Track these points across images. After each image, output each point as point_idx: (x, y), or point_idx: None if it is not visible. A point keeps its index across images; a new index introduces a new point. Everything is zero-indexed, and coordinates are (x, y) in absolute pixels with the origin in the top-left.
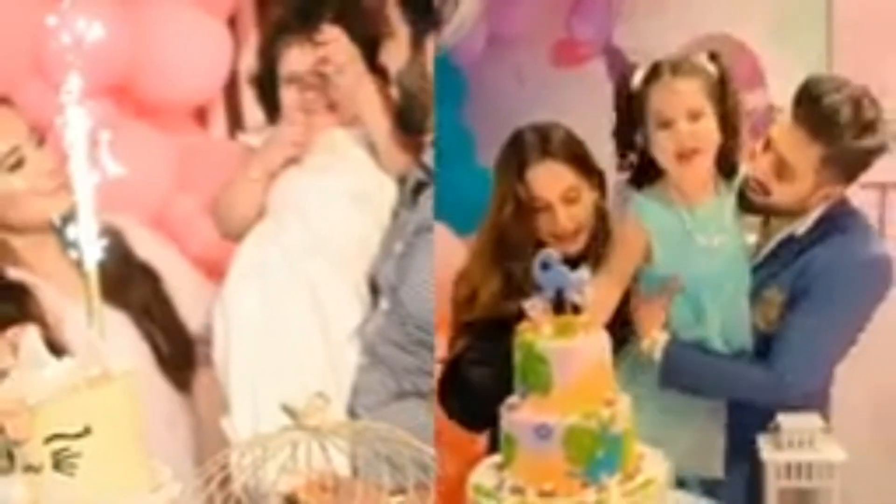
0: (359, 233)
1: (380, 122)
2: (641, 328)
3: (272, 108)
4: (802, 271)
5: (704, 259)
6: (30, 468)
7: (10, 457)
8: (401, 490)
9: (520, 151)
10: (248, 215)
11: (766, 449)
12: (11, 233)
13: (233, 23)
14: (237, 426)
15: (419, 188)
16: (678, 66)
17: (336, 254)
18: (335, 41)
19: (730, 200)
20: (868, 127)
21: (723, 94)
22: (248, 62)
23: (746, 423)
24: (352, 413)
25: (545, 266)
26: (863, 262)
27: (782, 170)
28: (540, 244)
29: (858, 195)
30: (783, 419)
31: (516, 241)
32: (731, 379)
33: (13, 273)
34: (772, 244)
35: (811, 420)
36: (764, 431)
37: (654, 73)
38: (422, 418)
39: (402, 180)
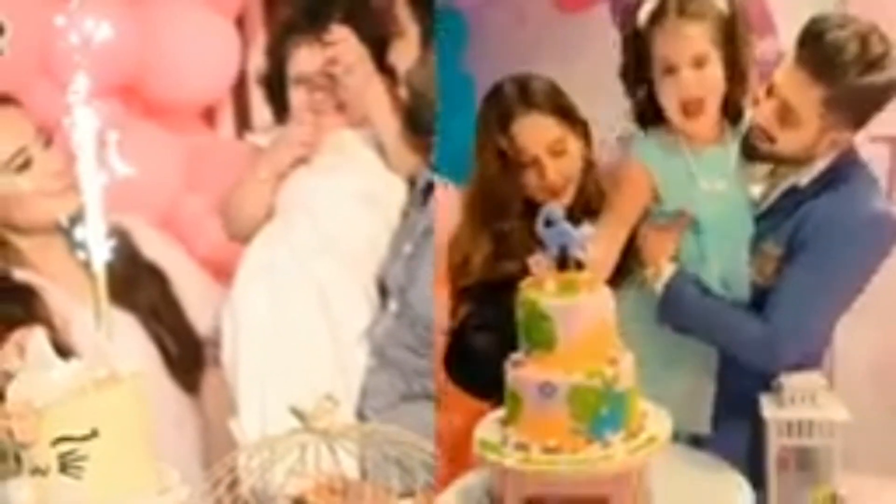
0: (368, 234)
1: (389, 123)
2: (649, 256)
3: (280, 109)
4: (801, 223)
5: (707, 203)
6: (37, 471)
7: (18, 459)
8: (409, 493)
9: (501, 105)
10: (256, 216)
11: (768, 407)
12: (18, 234)
13: (241, 22)
14: (245, 428)
15: (428, 189)
16: (686, 5)
17: (345, 255)
18: (344, 41)
19: (734, 147)
20: (875, 63)
21: (732, 35)
22: (257, 62)
23: (746, 382)
24: (360, 415)
25: (549, 223)
26: (864, 219)
27: (786, 115)
28: (528, 200)
29: (868, 148)
30: (785, 377)
31: (503, 198)
32: (728, 326)
33: (20, 274)
34: (775, 194)
35: (813, 378)
36: (763, 390)
37: (661, 10)
38: (431, 420)
39: (411, 181)
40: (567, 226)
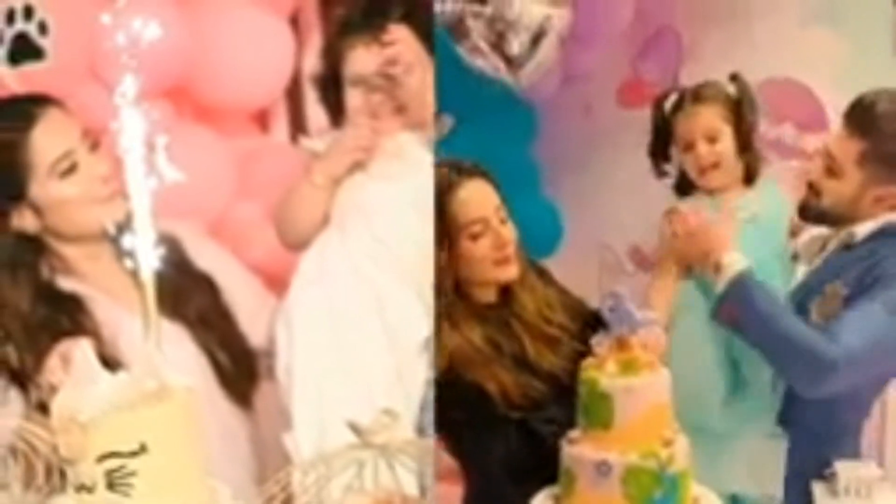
0: (427, 241)
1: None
2: (713, 248)
3: (336, 111)
4: (873, 267)
5: (738, 231)
6: (82, 488)
7: (63, 476)
8: None
9: (443, 182)
10: (311, 223)
11: (821, 496)
12: (64, 241)
13: (295, 22)
14: (300, 443)
15: None
16: (699, 93)
17: (403, 263)
18: (402, 41)
19: (754, 199)
20: None
21: (741, 113)
22: (312, 63)
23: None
24: (420, 430)
25: (613, 305)
26: None
27: (830, 165)
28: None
29: None
30: (840, 466)
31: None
32: (790, 333)
33: (66, 284)
34: (831, 247)
35: (869, 468)
36: (819, 478)
37: (680, 99)
38: None
39: None
40: (630, 307)
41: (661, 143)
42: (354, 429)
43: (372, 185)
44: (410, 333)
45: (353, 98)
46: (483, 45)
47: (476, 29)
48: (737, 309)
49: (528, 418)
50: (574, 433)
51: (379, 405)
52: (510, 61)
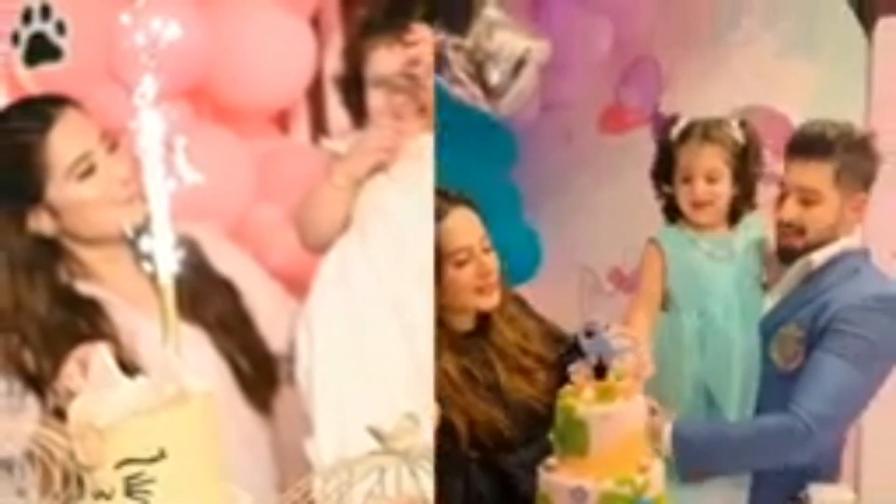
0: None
1: None
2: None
3: (358, 113)
4: (822, 310)
5: (713, 270)
6: (101, 495)
7: (80, 483)
8: None
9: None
10: (332, 225)
11: None
12: (82, 244)
13: (316, 22)
14: (321, 449)
15: None
16: (708, 131)
17: (424, 266)
18: (425, 41)
19: (737, 237)
20: (858, 144)
21: (744, 159)
22: (333, 63)
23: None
24: None
25: (589, 333)
26: (879, 298)
27: (808, 196)
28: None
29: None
30: (813, 490)
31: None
32: (755, 438)
33: (84, 287)
34: (792, 277)
35: (842, 493)
36: (792, 501)
37: (688, 131)
38: None
39: None
40: (606, 336)
41: (664, 167)
42: (376, 434)
43: (393, 186)
44: (432, 338)
45: (376, 99)
46: (463, 77)
47: (457, 61)
48: (693, 465)
49: (493, 459)
50: (551, 460)
51: (400, 409)
52: (490, 91)
